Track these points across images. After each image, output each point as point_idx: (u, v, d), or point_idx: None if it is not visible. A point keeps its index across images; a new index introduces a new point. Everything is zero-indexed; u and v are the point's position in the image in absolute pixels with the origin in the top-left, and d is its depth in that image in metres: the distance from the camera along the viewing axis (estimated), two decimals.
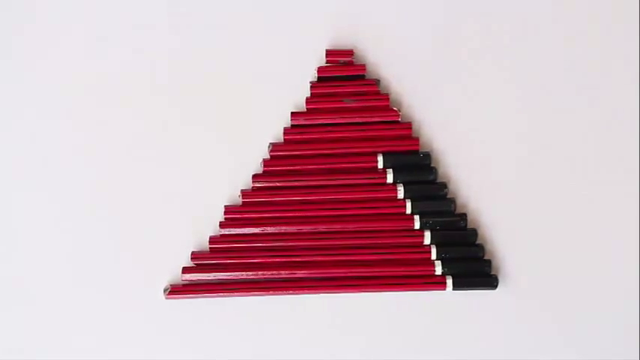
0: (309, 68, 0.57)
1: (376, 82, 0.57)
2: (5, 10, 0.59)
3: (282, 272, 0.56)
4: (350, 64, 0.57)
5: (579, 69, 0.57)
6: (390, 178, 0.56)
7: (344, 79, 0.57)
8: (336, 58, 0.57)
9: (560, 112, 0.57)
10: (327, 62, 0.57)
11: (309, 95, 0.57)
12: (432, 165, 0.57)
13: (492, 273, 0.56)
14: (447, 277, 0.55)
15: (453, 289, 0.55)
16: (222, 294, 0.56)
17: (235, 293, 0.56)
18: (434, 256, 0.56)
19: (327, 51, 0.57)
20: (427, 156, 0.56)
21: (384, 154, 0.56)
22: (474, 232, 0.56)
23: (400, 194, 0.56)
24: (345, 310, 0.56)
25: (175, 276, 0.57)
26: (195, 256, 0.57)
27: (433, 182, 0.57)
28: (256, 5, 0.58)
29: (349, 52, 0.57)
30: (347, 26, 0.58)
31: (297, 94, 0.57)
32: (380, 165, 0.56)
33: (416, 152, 0.57)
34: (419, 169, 0.57)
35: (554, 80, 0.57)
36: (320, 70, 0.57)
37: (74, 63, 0.58)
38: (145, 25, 0.58)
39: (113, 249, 0.57)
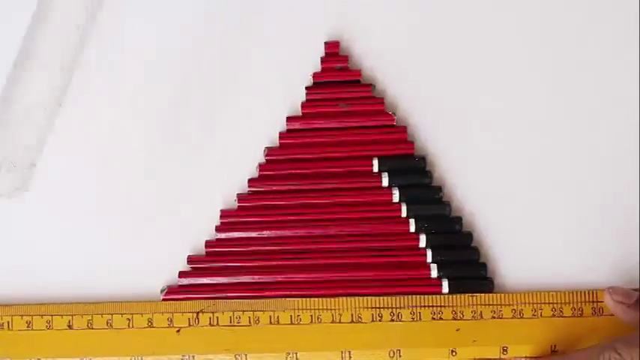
0: (305, 73, 0.58)
1: (372, 86, 0.58)
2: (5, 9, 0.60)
3: (279, 276, 0.57)
4: (345, 69, 0.58)
5: (578, 74, 0.58)
6: (385, 182, 0.57)
7: (339, 85, 0.58)
8: (332, 64, 0.58)
9: (556, 117, 0.58)
10: (323, 69, 0.58)
11: (304, 100, 0.58)
12: (428, 169, 0.57)
13: (488, 276, 0.56)
14: (443, 280, 0.56)
15: (449, 293, 0.55)
16: (218, 295, 0.56)
17: (232, 294, 0.56)
18: (429, 259, 0.56)
19: (322, 58, 0.58)
20: (422, 160, 0.57)
21: (380, 158, 0.57)
22: (469, 236, 0.57)
23: (395, 198, 0.57)
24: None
25: (172, 279, 0.58)
26: (192, 259, 0.57)
27: (428, 186, 0.57)
28: (255, 8, 0.59)
29: (344, 59, 0.58)
30: (343, 32, 0.59)
31: (293, 99, 0.58)
32: (375, 169, 0.57)
33: (411, 156, 0.57)
34: (414, 172, 0.57)
35: (551, 85, 0.58)
36: (315, 75, 0.58)
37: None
38: (142, 25, 0.59)
39: (108, 253, 0.58)
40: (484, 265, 0.56)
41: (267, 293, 0.56)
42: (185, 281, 0.57)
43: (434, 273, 0.56)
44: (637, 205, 0.57)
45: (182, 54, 0.59)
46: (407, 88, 0.58)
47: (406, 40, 0.59)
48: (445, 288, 0.56)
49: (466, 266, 0.56)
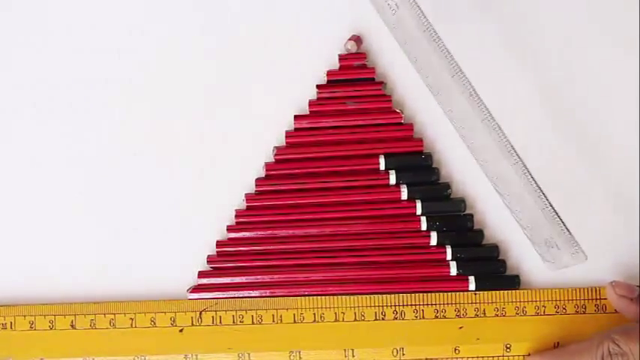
0: (318, 72, 0.60)
1: (383, 84, 0.60)
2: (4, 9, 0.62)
3: (299, 276, 0.58)
4: (363, 67, 0.60)
5: (582, 73, 0.60)
6: (392, 180, 0.59)
7: (349, 82, 0.59)
8: (350, 62, 0.60)
9: (561, 116, 0.59)
10: (341, 67, 0.60)
11: (313, 98, 0.60)
12: (435, 166, 0.59)
13: (512, 274, 0.58)
14: (469, 277, 0.57)
15: (476, 290, 0.57)
16: (240, 291, 0.58)
17: (251, 291, 0.58)
18: (449, 256, 0.58)
19: (339, 55, 0.60)
20: (429, 157, 0.59)
21: (386, 156, 0.59)
22: (480, 233, 0.59)
23: (404, 195, 0.58)
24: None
25: (174, 278, 0.59)
26: (210, 259, 0.59)
27: (436, 183, 0.59)
28: (267, 7, 0.61)
29: (362, 56, 0.60)
30: (352, 29, 0.60)
31: (302, 97, 0.60)
32: (382, 167, 0.59)
33: (418, 153, 0.59)
34: (421, 170, 0.59)
35: (561, 80, 0.60)
36: (329, 73, 0.60)
37: (76, 61, 0.61)
38: (147, 25, 0.61)
39: (111, 253, 0.60)
40: (503, 262, 0.58)
41: (282, 291, 0.58)
42: (205, 281, 0.59)
43: (453, 271, 0.57)
44: (637, 205, 0.58)
45: (192, 53, 0.61)
46: (415, 86, 0.59)
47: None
48: (472, 285, 0.57)
49: (486, 263, 0.58)
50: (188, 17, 0.61)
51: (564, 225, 0.53)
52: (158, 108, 0.61)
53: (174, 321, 0.58)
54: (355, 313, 0.57)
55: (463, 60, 0.54)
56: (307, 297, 0.57)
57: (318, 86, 0.60)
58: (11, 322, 0.58)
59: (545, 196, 0.53)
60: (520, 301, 0.56)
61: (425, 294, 0.57)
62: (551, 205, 0.53)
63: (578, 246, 0.53)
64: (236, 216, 0.59)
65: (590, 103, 0.59)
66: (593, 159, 0.59)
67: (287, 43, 0.60)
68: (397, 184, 0.59)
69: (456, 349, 0.56)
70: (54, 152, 0.61)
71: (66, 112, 0.61)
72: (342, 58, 0.60)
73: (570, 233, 0.53)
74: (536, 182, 0.53)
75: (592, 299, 0.56)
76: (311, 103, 0.60)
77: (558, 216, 0.53)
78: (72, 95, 0.61)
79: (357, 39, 0.60)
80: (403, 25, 0.56)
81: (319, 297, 0.57)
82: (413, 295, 0.57)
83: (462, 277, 0.57)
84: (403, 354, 0.57)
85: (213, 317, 0.58)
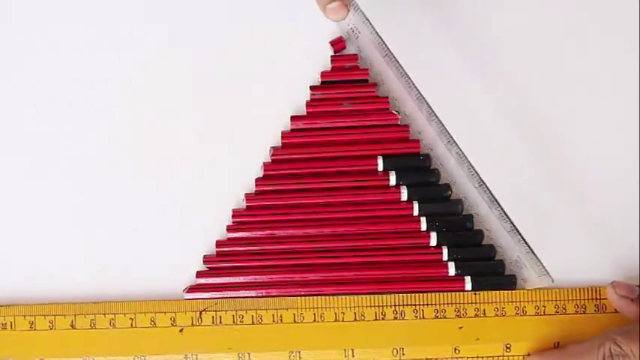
0: (313, 73, 0.60)
1: (376, 86, 0.60)
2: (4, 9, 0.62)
3: (298, 276, 0.58)
4: (355, 68, 0.60)
5: (584, 73, 0.60)
6: (392, 181, 0.59)
7: (345, 84, 0.60)
8: (342, 63, 0.60)
9: (559, 118, 0.60)
10: (333, 68, 0.60)
11: (309, 99, 0.60)
12: (433, 167, 0.59)
13: (509, 273, 0.58)
14: (465, 277, 0.57)
15: (472, 290, 0.57)
16: (238, 291, 0.58)
17: (249, 291, 0.58)
18: (445, 257, 0.58)
19: (332, 57, 0.60)
20: (427, 157, 0.59)
21: (384, 157, 0.59)
22: (480, 233, 0.59)
23: (404, 196, 0.59)
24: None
25: (174, 278, 0.60)
26: (207, 259, 0.59)
27: (436, 184, 0.59)
28: (267, 7, 0.61)
29: (354, 57, 0.60)
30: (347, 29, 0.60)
31: (299, 98, 0.60)
32: (380, 167, 0.59)
33: (416, 154, 0.59)
34: (421, 171, 0.59)
35: (557, 85, 0.60)
36: (323, 74, 0.60)
37: (76, 61, 0.61)
38: (147, 25, 0.61)
39: (111, 253, 0.60)
40: (501, 262, 0.58)
41: (281, 291, 0.58)
42: (203, 281, 0.59)
43: (451, 271, 0.58)
44: (637, 205, 0.59)
45: (192, 53, 0.61)
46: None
47: (409, 36, 0.60)
48: (468, 285, 0.57)
49: (484, 264, 0.58)
50: (188, 17, 0.61)
51: (530, 248, 0.54)
52: (158, 108, 0.61)
53: (174, 321, 0.58)
54: (355, 313, 0.57)
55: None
56: (307, 297, 0.58)
57: (311, 87, 0.60)
58: (11, 322, 0.59)
59: (509, 219, 0.54)
60: (520, 301, 0.57)
61: (425, 294, 0.57)
62: (516, 229, 0.55)
63: (545, 269, 0.54)
64: (234, 216, 0.59)
65: (595, 103, 0.60)
66: (594, 158, 0.59)
67: (286, 43, 0.61)
68: (397, 185, 0.59)
69: (455, 349, 0.57)
70: (54, 152, 0.61)
71: (66, 112, 0.61)
72: (333, 59, 0.60)
73: (537, 256, 0.54)
74: (500, 205, 0.55)
75: (592, 299, 0.57)
76: (308, 104, 0.60)
77: (524, 239, 0.54)
78: (72, 95, 0.61)
79: (338, 40, 0.60)
80: (366, 49, 0.58)
81: (319, 297, 0.58)
82: (413, 295, 0.57)
83: (458, 277, 0.58)
84: (403, 354, 0.57)
85: (213, 317, 0.58)
